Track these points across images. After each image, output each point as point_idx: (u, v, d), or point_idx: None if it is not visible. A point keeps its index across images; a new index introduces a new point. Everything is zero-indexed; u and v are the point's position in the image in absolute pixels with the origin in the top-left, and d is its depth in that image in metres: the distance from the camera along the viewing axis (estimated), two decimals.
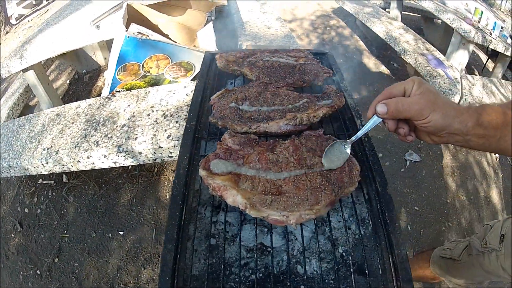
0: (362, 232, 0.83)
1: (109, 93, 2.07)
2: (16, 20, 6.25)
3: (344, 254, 0.81)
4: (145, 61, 2.01)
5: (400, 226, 0.77)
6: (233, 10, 2.94)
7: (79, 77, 3.56)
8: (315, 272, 0.77)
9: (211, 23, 2.24)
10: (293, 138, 0.88)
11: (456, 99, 2.84)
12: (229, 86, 1.21)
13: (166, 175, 2.37)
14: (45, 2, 6.86)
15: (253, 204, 0.73)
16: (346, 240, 0.81)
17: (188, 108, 1.73)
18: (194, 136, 0.92)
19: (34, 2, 6.91)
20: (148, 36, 1.84)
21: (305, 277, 0.75)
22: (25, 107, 2.89)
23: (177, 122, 1.69)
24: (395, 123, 0.73)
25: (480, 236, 1.31)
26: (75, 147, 1.71)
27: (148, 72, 2.04)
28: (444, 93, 2.74)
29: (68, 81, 3.55)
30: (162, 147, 1.59)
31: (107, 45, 3.46)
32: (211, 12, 2.24)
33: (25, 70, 2.56)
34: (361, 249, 0.79)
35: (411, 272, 0.71)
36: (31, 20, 6.08)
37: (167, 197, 2.25)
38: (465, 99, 2.73)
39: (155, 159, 1.67)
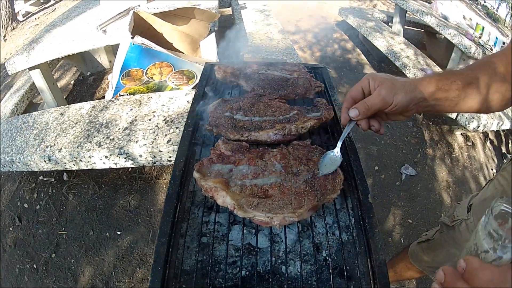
0: (345, 238, 0.88)
1: (113, 97, 2.13)
2: (23, 17, 6.36)
3: (326, 257, 0.85)
4: (148, 68, 2.08)
5: (380, 233, 0.83)
6: (237, 20, 3.02)
7: (83, 78, 3.62)
8: (298, 273, 0.81)
9: (213, 33, 2.31)
10: (282, 147, 0.94)
11: (453, 115, 2.88)
12: (226, 96, 1.28)
13: (164, 179, 2.41)
14: (52, 1, 6.98)
15: (240, 206, 0.79)
16: (329, 245, 0.86)
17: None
18: (191, 142, 0.98)
19: (41, 0, 7.01)
20: (151, 47, 1.91)
21: (288, 277, 0.79)
22: (29, 104, 2.92)
23: (177, 128, 1.74)
24: (367, 123, 0.82)
25: (449, 215, 1.32)
26: (78, 147, 1.75)
27: (152, 78, 2.10)
28: None
29: (72, 82, 3.61)
30: (161, 151, 1.64)
31: (112, 49, 3.51)
32: (215, 23, 2.31)
33: (31, 69, 2.60)
34: (342, 254, 0.83)
35: (388, 275, 0.74)
36: (38, 18, 6.20)
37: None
38: (462, 115, 2.77)
39: (155, 163, 1.72)
